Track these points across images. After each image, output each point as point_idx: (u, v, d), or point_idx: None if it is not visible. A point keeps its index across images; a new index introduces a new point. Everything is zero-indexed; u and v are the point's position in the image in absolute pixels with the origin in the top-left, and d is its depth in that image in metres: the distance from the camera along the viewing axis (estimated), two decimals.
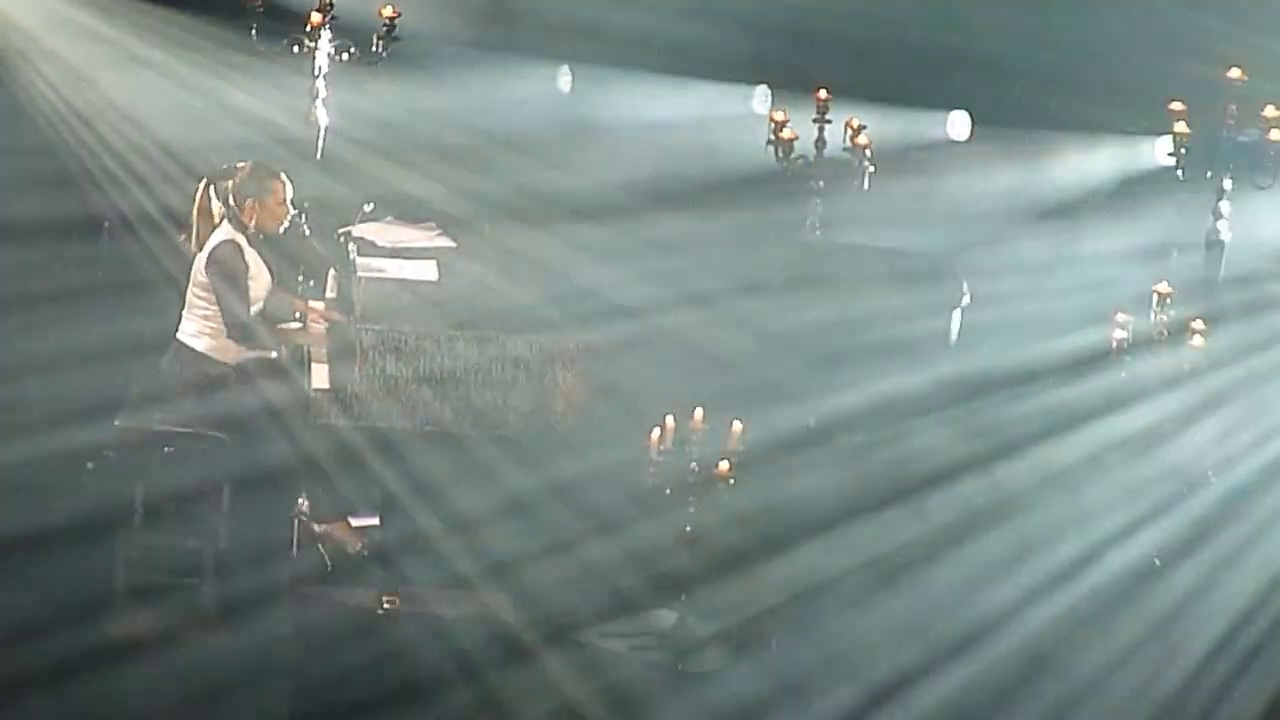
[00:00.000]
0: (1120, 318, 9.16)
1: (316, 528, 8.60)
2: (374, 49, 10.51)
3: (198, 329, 8.49)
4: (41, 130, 11.92)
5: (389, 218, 9.33)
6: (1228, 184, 10.23)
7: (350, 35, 10.59)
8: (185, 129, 11.23)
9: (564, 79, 14.32)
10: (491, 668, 7.92)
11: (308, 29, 10.53)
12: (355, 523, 8.61)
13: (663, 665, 8.12)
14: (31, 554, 8.33)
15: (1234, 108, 9.90)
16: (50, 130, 11.91)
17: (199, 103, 11.58)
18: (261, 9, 10.57)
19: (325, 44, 10.44)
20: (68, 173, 11.67)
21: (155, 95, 11.79)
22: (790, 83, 12.32)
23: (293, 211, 8.68)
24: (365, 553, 8.55)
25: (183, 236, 8.75)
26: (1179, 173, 10.23)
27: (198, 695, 7.58)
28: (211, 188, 8.71)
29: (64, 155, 11.76)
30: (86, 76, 12.00)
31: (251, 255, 8.50)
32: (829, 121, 10.96)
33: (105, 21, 12.17)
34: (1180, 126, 10.09)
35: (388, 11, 10.48)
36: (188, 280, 8.55)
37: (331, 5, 10.38)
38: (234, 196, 8.56)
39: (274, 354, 8.69)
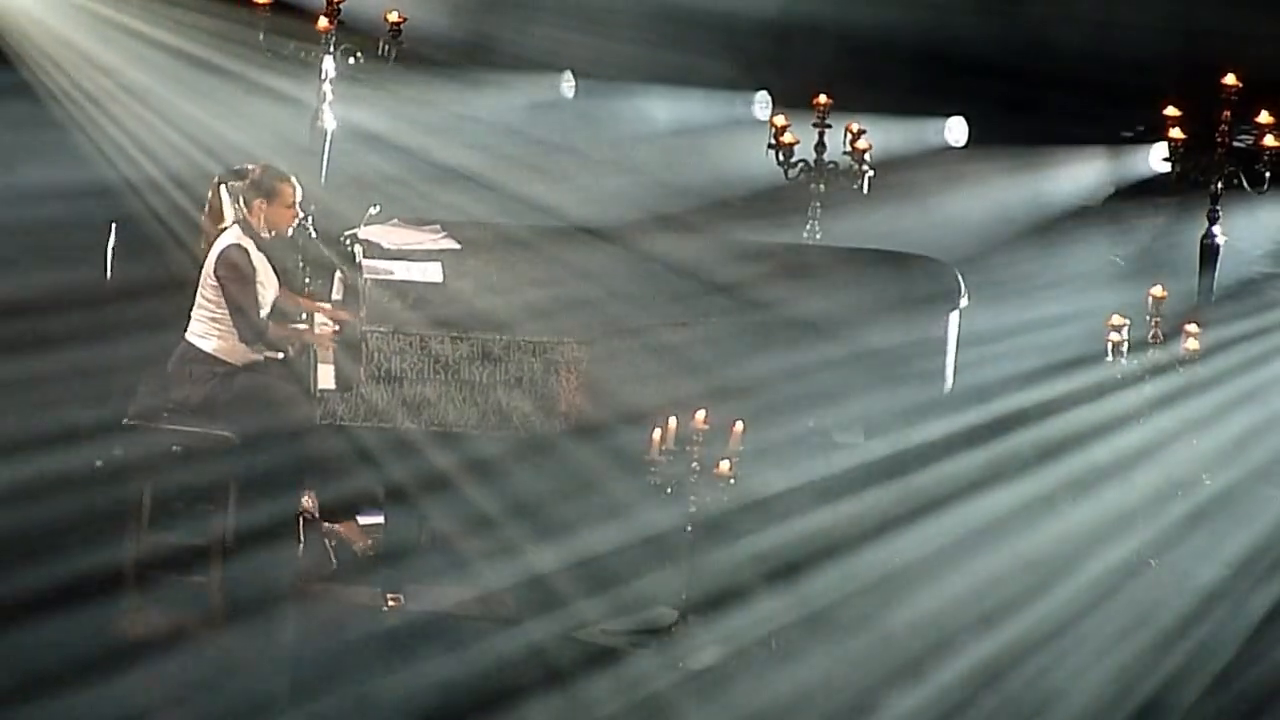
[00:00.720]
0: (1116, 320, 9.21)
1: (323, 526, 8.68)
2: (380, 54, 10.55)
3: (205, 330, 8.54)
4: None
5: (395, 220, 9.41)
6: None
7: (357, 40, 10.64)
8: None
9: (566, 85, 14.37)
10: (493, 664, 8.00)
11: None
12: (361, 521, 8.69)
13: (663, 662, 8.20)
14: (40, 551, 8.43)
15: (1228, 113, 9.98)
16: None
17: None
18: (268, 13, 10.59)
19: (332, 49, 10.47)
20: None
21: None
22: (791, 91, 12.39)
23: (301, 214, 8.76)
24: (371, 551, 8.63)
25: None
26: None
27: (203, 693, 7.65)
28: (223, 189, 8.80)
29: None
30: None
31: (259, 259, 8.56)
32: (829, 126, 11.02)
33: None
34: (1175, 132, 10.16)
35: (393, 17, 10.53)
36: (196, 281, 8.63)
37: (339, 10, 10.41)
38: (244, 198, 8.63)
39: (281, 355, 8.76)
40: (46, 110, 12.09)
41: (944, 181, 13.40)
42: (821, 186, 11.05)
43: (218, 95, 11.82)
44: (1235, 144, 10.16)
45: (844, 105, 11.25)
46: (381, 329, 8.36)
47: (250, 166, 8.77)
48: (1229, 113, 10.00)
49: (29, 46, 12.22)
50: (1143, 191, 13.22)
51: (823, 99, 11.02)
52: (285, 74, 10.84)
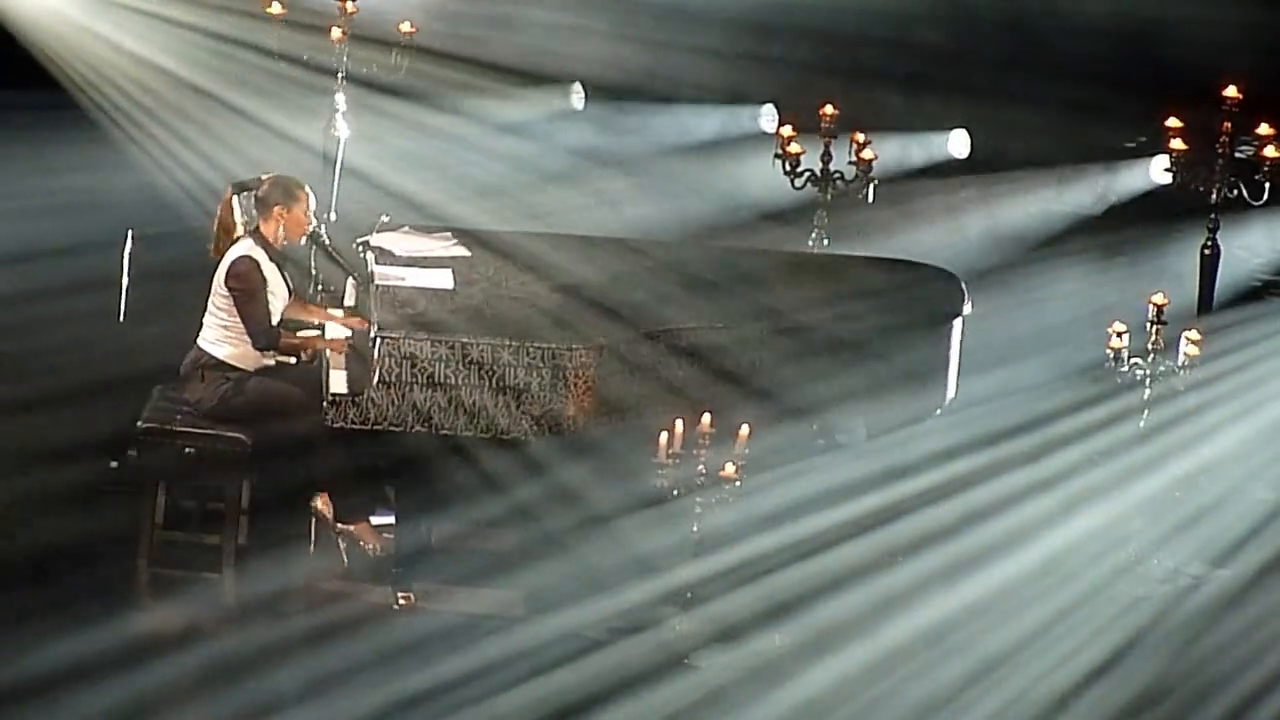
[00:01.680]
0: (1117, 327, 9.26)
1: (335, 527, 8.76)
2: (392, 63, 10.63)
3: (217, 337, 8.62)
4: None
5: (406, 227, 9.50)
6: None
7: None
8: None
9: (576, 96, 14.49)
10: (502, 662, 8.07)
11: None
12: (373, 522, 8.76)
13: (668, 658, 8.27)
14: (56, 551, 8.51)
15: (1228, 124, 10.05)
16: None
17: None
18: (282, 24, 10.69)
19: (345, 59, 10.56)
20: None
21: None
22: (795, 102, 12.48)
23: (314, 222, 8.86)
24: (383, 552, 8.71)
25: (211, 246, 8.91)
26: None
27: (215, 694, 7.71)
28: (235, 200, 8.91)
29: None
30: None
31: (270, 268, 8.63)
32: (834, 136, 11.10)
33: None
34: (1177, 144, 10.23)
35: (405, 28, 10.60)
36: (209, 289, 8.72)
37: (351, 20, 10.50)
38: (258, 207, 8.72)
39: (293, 360, 8.85)
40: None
41: (944, 197, 13.51)
42: (828, 196, 11.14)
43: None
44: (1236, 155, 10.22)
45: (847, 120, 11.35)
46: (392, 334, 8.41)
47: (262, 177, 8.87)
48: (1229, 124, 10.05)
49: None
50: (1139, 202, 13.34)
51: (829, 110, 11.10)
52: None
